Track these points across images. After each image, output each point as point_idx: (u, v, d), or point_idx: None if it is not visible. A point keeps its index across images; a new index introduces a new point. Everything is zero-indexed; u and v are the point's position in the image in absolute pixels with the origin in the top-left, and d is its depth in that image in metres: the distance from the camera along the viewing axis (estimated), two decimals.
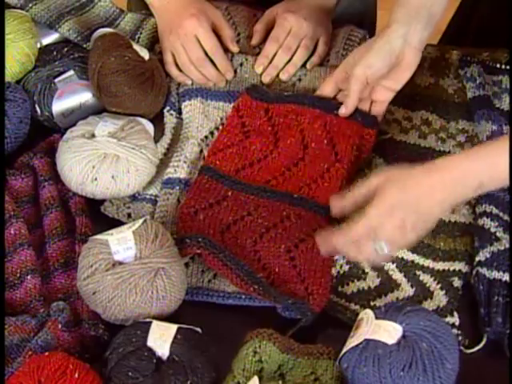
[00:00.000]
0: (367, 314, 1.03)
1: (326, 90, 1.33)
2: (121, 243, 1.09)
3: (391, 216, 1.06)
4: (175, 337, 1.02)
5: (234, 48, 1.42)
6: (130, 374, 0.99)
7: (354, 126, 1.29)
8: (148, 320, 1.05)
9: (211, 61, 1.39)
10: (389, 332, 1.00)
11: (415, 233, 1.08)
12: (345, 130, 1.29)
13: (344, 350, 1.02)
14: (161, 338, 1.02)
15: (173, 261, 1.09)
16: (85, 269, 1.08)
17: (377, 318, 1.03)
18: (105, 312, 1.08)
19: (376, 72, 1.26)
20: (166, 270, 1.08)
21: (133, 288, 1.06)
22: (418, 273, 1.17)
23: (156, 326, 1.03)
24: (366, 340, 1.00)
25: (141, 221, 1.11)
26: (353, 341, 1.02)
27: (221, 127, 1.34)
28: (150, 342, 1.02)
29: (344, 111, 1.29)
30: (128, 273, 1.06)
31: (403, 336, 1.00)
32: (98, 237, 1.11)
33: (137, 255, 1.08)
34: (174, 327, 1.03)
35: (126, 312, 1.06)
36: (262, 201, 1.23)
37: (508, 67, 1.38)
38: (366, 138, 1.29)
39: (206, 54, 1.39)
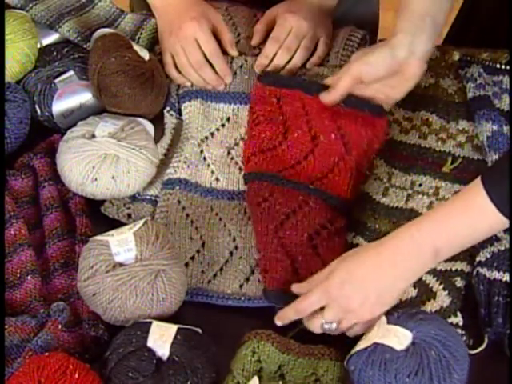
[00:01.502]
0: (380, 319, 1.04)
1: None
2: (121, 244, 1.09)
3: (335, 304, 1.06)
4: (175, 337, 1.02)
5: (234, 52, 1.42)
6: (130, 374, 0.99)
7: (363, 116, 1.28)
8: (148, 320, 1.05)
9: (211, 64, 1.39)
10: (398, 338, 1.01)
11: (368, 313, 1.06)
12: (353, 120, 1.28)
13: (352, 351, 1.02)
14: (161, 339, 1.02)
15: (173, 263, 1.09)
16: (85, 270, 1.08)
17: (388, 322, 1.03)
18: (105, 313, 1.07)
19: (372, 71, 1.24)
20: (166, 272, 1.08)
21: (133, 290, 1.06)
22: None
23: (156, 326, 1.03)
24: (374, 344, 1.01)
25: (142, 222, 1.11)
26: (362, 343, 1.02)
27: (221, 128, 1.34)
28: (150, 343, 1.02)
29: (326, 98, 1.27)
30: (128, 275, 1.06)
31: (413, 343, 1.01)
32: (99, 238, 1.11)
33: (137, 257, 1.08)
34: (174, 328, 1.03)
35: (126, 314, 1.06)
36: (277, 187, 1.23)
37: (508, 67, 1.38)
38: (377, 128, 1.28)
39: (206, 57, 1.39)
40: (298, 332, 1.10)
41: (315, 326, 1.08)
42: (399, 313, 1.04)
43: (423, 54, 1.24)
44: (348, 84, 1.25)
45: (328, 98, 1.27)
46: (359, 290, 1.05)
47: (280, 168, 1.27)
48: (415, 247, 1.05)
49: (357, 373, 1.01)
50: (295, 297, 1.10)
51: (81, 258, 1.10)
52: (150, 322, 1.04)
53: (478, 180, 1.03)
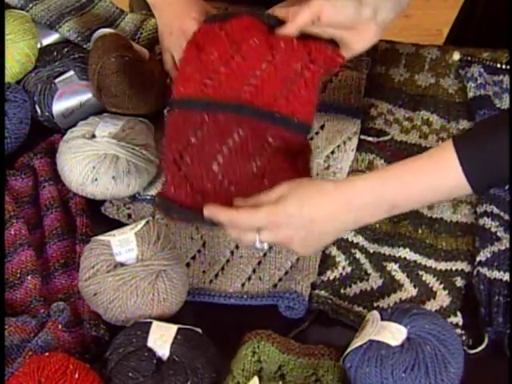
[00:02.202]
0: (373, 315, 1.04)
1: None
2: (123, 245, 1.09)
3: (277, 230, 1.04)
4: (175, 337, 1.02)
5: None
6: (130, 374, 0.99)
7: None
8: (148, 320, 1.05)
9: None
10: (393, 334, 1.01)
11: (303, 249, 1.06)
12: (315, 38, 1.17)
13: (348, 349, 1.02)
14: (161, 339, 1.02)
15: (174, 263, 1.09)
16: (86, 270, 1.08)
17: (382, 319, 1.03)
18: (106, 313, 1.07)
19: (333, 13, 1.14)
20: (167, 273, 1.07)
21: (134, 290, 1.06)
22: (420, 273, 1.17)
23: (156, 326, 1.03)
24: (369, 341, 1.01)
25: (143, 222, 1.11)
26: (357, 341, 1.02)
27: None
28: (151, 343, 1.01)
29: (281, 31, 1.16)
30: (129, 275, 1.06)
31: (407, 338, 1.00)
32: (100, 237, 1.11)
33: (138, 257, 1.08)
34: (174, 327, 1.03)
35: (126, 314, 1.06)
36: (244, 119, 1.11)
37: (509, 67, 1.38)
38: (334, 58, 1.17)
39: None
40: (298, 332, 1.10)
41: (247, 240, 1.06)
42: (393, 309, 1.04)
43: (383, 21, 1.19)
44: (306, 18, 1.14)
45: (284, 31, 1.15)
46: (305, 227, 1.03)
47: (238, 88, 1.12)
48: (374, 199, 1.02)
49: (353, 370, 1.01)
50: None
51: (82, 258, 1.10)
52: (150, 322, 1.04)
53: (450, 141, 1.00)
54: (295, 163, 1.12)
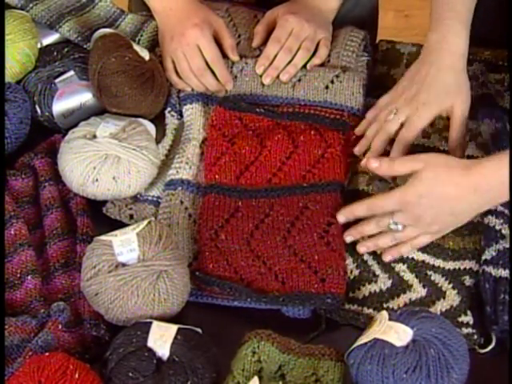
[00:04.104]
0: (382, 315, 1.04)
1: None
2: (124, 245, 1.08)
3: (409, 210, 1.12)
4: (175, 337, 1.02)
5: (235, 57, 1.42)
6: (130, 374, 0.98)
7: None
8: (148, 320, 1.04)
9: (212, 70, 1.39)
10: (399, 334, 1.01)
11: (437, 226, 1.15)
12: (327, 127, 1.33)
13: (353, 346, 1.02)
14: (161, 339, 1.01)
15: (176, 263, 1.09)
16: (88, 269, 1.08)
17: (390, 319, 1.03)
18: (107, 313, 1.07)
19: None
20: (168, 273, 1.07)
21: (135, 290, 1.05)
22: (429, 273, 1.17)
23: (156, 326, 1.03)
24: (375, 339, 1.01)
25: (145, 222, 1.11)
26: (362, 338, 1.02)
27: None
28: (151, 343, 1.01)
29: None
30: (130, 275, 1.06)
31: (413, 340, 1.00)
32: (102, 237, 1.10)
33: (140, 257, 1.08)
34: (174, 328, 1.03)
35: (127, 314, 1.06)
36: (274, 200, 1.24)
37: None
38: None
39: (207, 63, 1.38)
40: (317, 335, 1.10)
41: (383, 224, 1.15)
42: (402, 310, 1.04)
43: None
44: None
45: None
46: (435, 207, 1.12)
47: (269, 176, 1.28)
48: (499, 179, 1.10)
49: (356, 366, 1.01)
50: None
51: (84, 258, 1.10)
52: (151, 322, 1.03)
53: None
54: (327, 235, 1.19)
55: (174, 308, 1.09)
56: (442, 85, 1.25)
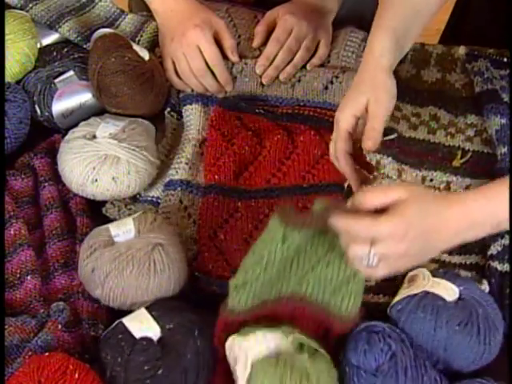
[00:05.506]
0: (423, 272, 1.05)
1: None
2: (120, 227, 1.11)
3: (402, 239, 0.96)
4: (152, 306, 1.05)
5: (235, 58, 1.42)
6: (131, 371, 0.99)
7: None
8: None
9: (212, 71, 1.39)
10: (447, 290, 1.03)
11: (413, 261, 1.01)
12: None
13: (398, 297, 1.04)
14: (136, 318, 1.04)
15: (171, 238, 1.11)
16: (85, 250, 1.09)
17: (434, 276, 1.05)
18: (103, 290, 1.07)
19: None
20: (163, 246, 1.09)
21: (130, 260, 1.06)
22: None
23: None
24: (424, 291, 1.03)
25: (140, 212, 1.14)
26: (410, 290, 1.03)
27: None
28: (136, 332, 1.02)
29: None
30: (126, 247, 1.08)
31: (461, 298, 1.03)
32: (100, 227, 1.13)
33: (136, 235, 1.10)
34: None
35: (123, 286, 1.06)
36: (274, 200, 1.24)
37: None
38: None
39: (207, 64, 1.39)
40: None
41: (357, 252, 0.97)
42: (444, 270, 1.07)
43: None
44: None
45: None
46: (421, 241, 0.97)
47: (268, 176, 1.28)
48: (482, 216, 0.99)
49: (405, 315, 1.03)
50: None
51: (82, 245, 1.12)
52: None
53: None
54: None
55: (171, 283, 1.09)
56: (355, 83, 1.20)
